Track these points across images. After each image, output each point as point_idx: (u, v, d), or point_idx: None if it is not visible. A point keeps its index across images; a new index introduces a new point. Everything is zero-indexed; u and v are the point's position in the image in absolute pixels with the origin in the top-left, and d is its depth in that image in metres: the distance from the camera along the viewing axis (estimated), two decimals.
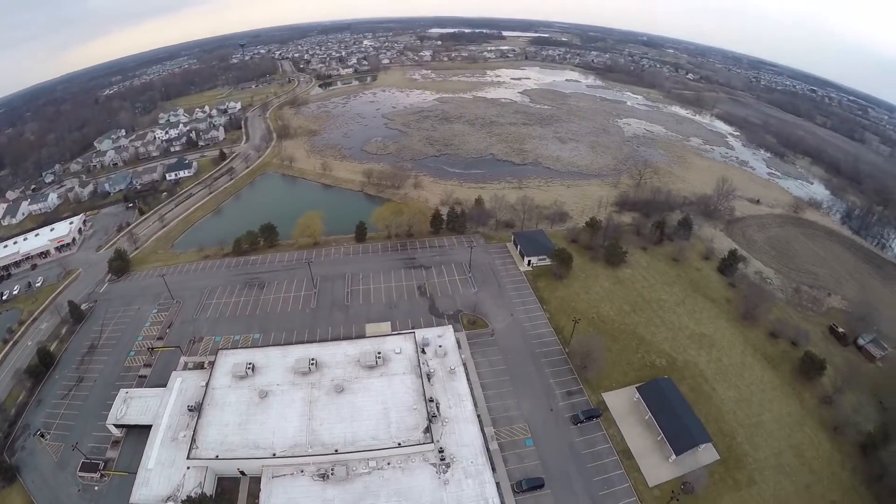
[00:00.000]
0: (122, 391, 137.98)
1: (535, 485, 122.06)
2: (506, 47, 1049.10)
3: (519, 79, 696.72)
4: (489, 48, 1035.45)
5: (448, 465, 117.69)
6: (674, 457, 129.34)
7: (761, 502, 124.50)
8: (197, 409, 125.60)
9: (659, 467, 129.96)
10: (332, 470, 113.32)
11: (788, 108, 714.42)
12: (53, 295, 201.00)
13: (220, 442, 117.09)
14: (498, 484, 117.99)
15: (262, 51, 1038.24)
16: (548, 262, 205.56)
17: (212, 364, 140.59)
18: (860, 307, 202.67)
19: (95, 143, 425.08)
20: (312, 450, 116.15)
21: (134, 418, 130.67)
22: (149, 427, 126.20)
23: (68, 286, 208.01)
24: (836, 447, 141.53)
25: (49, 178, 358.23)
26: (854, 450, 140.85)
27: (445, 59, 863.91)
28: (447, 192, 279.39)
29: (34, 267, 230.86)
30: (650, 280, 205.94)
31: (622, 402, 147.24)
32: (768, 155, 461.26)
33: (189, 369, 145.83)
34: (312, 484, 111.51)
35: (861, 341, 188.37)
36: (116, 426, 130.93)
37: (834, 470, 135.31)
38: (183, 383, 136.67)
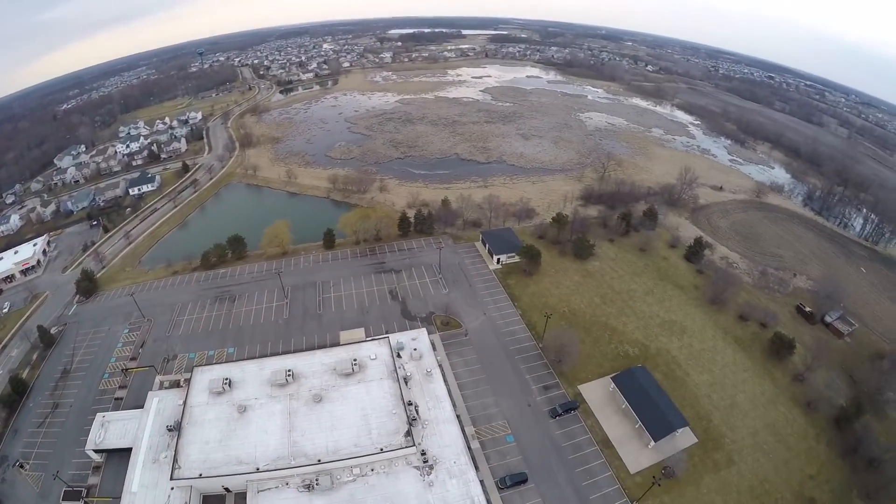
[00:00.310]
0: (100, 415, 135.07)
1: (519, 480, 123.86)
2: (466, 46, 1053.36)
3: (480, 77, 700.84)
4: (449, 47, 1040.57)
5: (431, 467, 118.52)
6: (652, 443, 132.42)
7: (741, 481, 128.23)
8: (176, 429, 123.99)
9: (639, 454, 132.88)
10: (317, 480, 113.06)
11: (747, 96, 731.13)
12: (22, 320, 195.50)
13: (203, 460, 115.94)
14: (482, 482, 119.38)
15: (221, 58, 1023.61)
16: (517, 259, 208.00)
17: (188, 382, 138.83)
18: (825, 285, 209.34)
19: (55, 161, 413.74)
20: (296, 461, 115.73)
21: (113, 442, 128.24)
22: (129, 450, 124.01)
23: (36, 310, 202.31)
24: (811, 422, 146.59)
25: (10, 199, 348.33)
26: (828, 424, 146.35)
27: (406, 59, 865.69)
28: (413, 195, 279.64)
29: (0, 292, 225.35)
30: (619, 271, 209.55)
31: (598, 393, 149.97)
32: (729, 142, 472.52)
33: (165, 388, 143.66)
34: (298, 496, 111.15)
35: (828, 318, 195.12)
36: (96, 451, 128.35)
37: (810, 444, 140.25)
38: (160, 403, 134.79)
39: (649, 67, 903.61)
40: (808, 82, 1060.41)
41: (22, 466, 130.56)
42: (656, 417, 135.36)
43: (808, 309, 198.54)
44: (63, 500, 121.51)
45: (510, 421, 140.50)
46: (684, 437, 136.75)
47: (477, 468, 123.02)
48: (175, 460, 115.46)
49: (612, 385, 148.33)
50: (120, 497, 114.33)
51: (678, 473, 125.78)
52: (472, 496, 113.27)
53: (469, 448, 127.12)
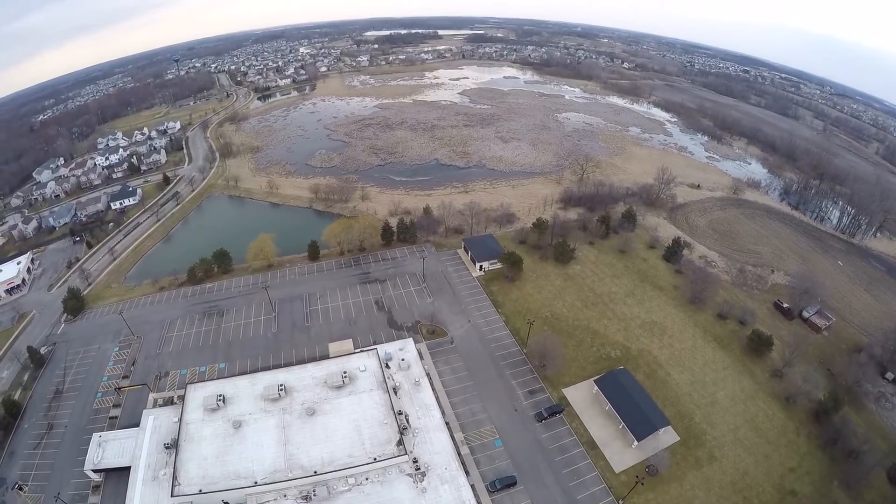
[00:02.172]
0: (96, 435, 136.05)
1: (508, 483, 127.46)
2: (442, 47, 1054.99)
3: (457, 79, 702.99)
4: (426, 48, 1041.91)
5: (424, 474, 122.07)
6: (636, 443, 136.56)
7: (723, 476, 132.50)
8: (174, 446, 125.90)
9: (623, 454, 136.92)
10: (314, 491, 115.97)
11: (723, 90, 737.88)
12: (10, 341, 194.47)
13: (202, 476, 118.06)
14: (473, 486, 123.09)
15: (197, 64, 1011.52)
16: (499, 265, 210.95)
17: (182, 399, 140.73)
18: (803, 281, 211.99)
19: (34, 174, 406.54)
20: (292, 473, 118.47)
21: (112, 461, 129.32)
22: (128, 469, 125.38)
23: (24, 330, 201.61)
24: (790, 416, 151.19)
25: None
26: (807, 417, 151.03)
27: (383, 62, 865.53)
28: (395, 202, 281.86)
29: None
30: (599, 274, 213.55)
31: (582, 396, 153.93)
32: (706, 139, 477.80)
33: (160, 406, 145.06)
34: None
35: (806, 314, 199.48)
36: (95, 471, 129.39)
37: (790, 438, 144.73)
38: (156, 421, 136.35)
39: (625, 64, 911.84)
40: (783, 75, 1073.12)
41: (21, 489, 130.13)
42: (639, 418, 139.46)
43: (785, 305, 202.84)
44: None
45: (498, 426, 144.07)
46: (667, 436, 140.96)
47: (467, 473, 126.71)
48: (174, 477, 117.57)
49: (596, 388, 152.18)
50: None
51: (662, 471, 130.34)
52: (464, 500, 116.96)
53: (459, 454, 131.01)
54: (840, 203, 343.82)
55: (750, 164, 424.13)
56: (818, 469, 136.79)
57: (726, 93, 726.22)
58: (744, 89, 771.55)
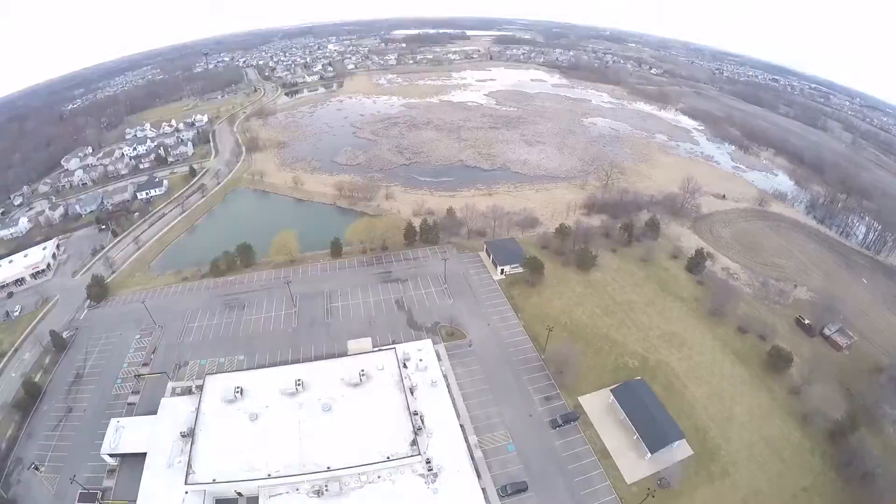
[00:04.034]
0: (114, 420, 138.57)
1: (519, 489, 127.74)
2: (470, 48, 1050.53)
3: (484, 80, 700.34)
4: (453, 49, 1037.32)
5: (436, 475, 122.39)
6: (649, 454, 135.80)
7: (735, 493, 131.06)
8: (190, 435, 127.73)
9: (636, 465, 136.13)
10: (326, 486, 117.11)
11: (751, 99, 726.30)
12: (33, 324, 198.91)
13: (216, 466, 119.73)
14: (484, 490, 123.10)
15: (226, 59, 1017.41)
16: (520, 270, 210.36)
17: (200, 388, 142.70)
18: (826, 297, 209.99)
19: (63, 162, 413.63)
20: (306, 468, 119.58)
21: (128, 447, 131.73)
22: (143, 455, 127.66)
23: (47, 314, 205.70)
24: (806, 435, 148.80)
25: (17, 201, 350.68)
26: (823, 437, 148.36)
27: (411, 62, 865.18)
28: (419, 203, 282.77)
29: (10, 295, 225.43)
30: (620, 282, 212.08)
31: (598, 405, 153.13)
32: (732, 148, 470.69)
33: (178, 395, 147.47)
34: (308, 501, 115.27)
35: (827, 331, 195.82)
36: (111, 455, 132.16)
37: (804, 458, 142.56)
38: (173, 409, 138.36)
39: (653, 70, 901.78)
40: (812, 85, 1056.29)
41: (37, 468, 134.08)
42: (653, 430, 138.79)
43: (807, 321, 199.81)
44: (78, 501, 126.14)
45: (512, 430, 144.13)
46: (681, 449, 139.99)
47: (479, 476, 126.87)
48: (189, 465, 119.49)
49: (612, 397, 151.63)
50: (135, 500, 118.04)
51: (673, 485, 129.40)
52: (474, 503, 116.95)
53: (472, 456, 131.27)
54: (866, 218, 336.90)
55: (777, 175, 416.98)
56: (831, 490, 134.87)
57: (755, 102, 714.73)
58: (772, 98, 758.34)
